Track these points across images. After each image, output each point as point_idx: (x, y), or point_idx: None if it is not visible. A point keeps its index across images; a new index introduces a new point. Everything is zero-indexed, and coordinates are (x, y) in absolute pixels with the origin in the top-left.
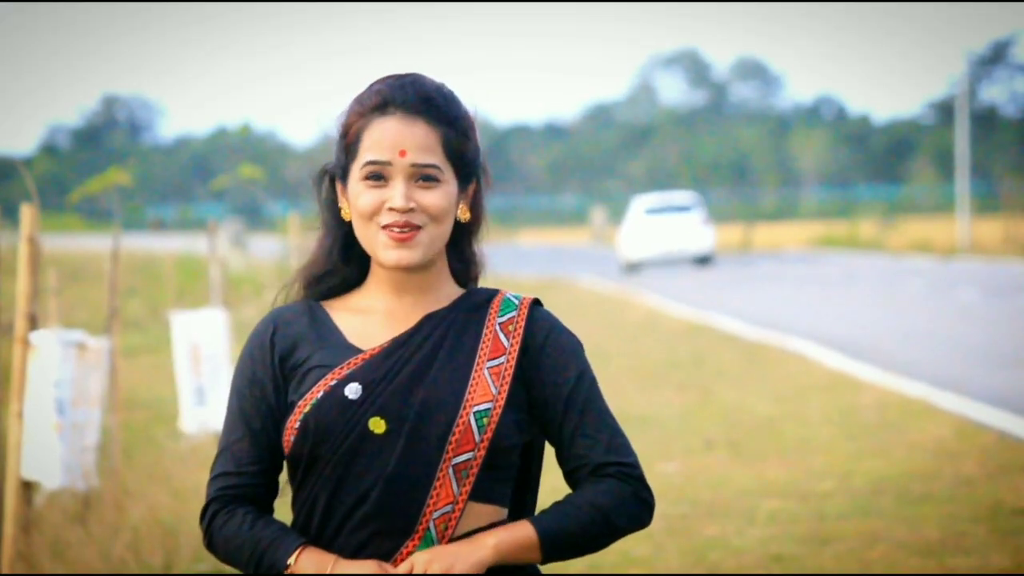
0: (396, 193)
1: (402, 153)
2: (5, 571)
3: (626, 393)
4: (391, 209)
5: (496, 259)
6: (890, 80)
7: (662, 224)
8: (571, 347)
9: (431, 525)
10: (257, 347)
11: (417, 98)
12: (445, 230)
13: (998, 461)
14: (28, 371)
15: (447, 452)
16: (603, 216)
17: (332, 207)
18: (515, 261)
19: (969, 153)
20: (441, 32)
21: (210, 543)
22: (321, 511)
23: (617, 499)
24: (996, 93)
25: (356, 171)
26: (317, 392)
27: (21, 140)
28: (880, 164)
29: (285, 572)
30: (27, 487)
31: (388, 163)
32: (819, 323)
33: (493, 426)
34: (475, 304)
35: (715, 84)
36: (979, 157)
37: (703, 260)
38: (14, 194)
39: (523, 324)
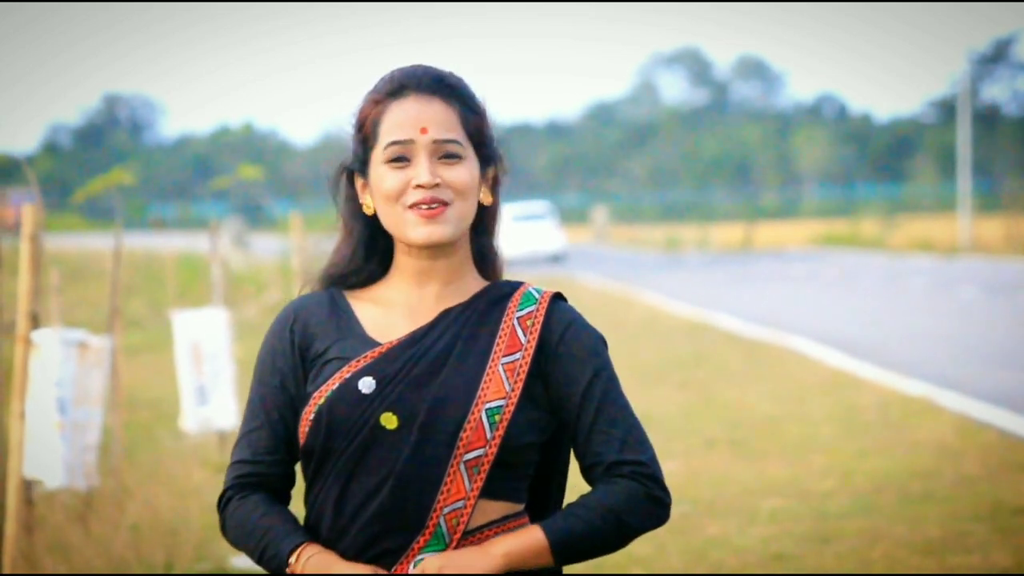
0: (421, 170)
1: (423, 130)
2: (7, 571)
3: (627, 392)
4: (418, 186)
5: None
6: (891, 79)
7: (523, 229)
8: (590, 343)
9: (441, 521)
10: (278, 336)
11: (431, 79)
12: (471, 207)
13: (999, 460)
14: (30, 370)
15: (458, 449)
16: (605, 215)
17: (353, 204)
18: (516, 260)
19: (970, 152)
20: (442, 32)
21: (224, 528)
22: (332, 505)
23: (630, 499)
24: (998, 92)
25: (378, 157)
26: (332, 384)
27: (23, 139)
28: (881, 163)
29: (287, 570)
30: (27, 485)
31: (411, 141)
32: (820, 322)
33: (505, 423)
34: (495, 298)
35: (716, 83)
36: (980, 156)
37: (556, 258)
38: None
39: (541, 319)
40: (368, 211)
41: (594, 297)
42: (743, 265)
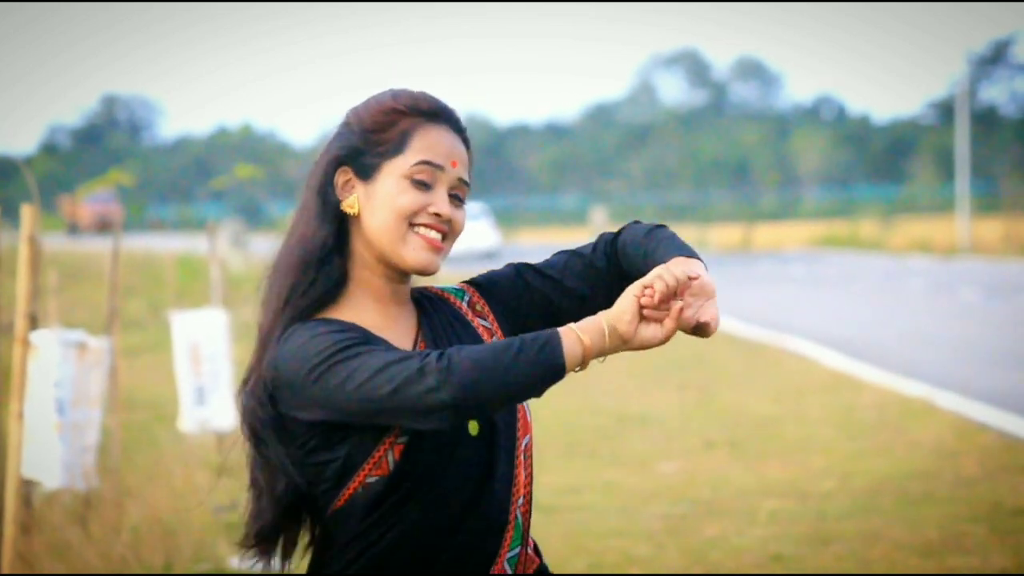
0: (442, 200)
1: (454, 164)
2: (5, 571)
3: (626, 393)
4: (436, 214)
5: (496, 259)
6: (890, 80)
7: None
8: (498, 268)
9: (517, 514)
10: (343, 327)
11: (458, 119)
12: None
13: (998, 461)
14: (28, 371)
15: (518, 439)
16: (603, 216)
17: (328, 196)
18: (515, 260)
19: (969, 153)
20: (442, 32)
21: (454, 374)
22: (426, 527)
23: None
24: (996, 93)
25: (397, 168)
26: None
27: (21, 140)
28: (880, 164)
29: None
30: (26, 486)
31: (441, 168)
32: (819, 323)
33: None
34: (435, 303)
35: (715, 84)
36: (979, 157)
37: (490, 255)
38: (14, 194)
39: (484, 300)
40: (351, 210)
41: None
42: (742, 266)
